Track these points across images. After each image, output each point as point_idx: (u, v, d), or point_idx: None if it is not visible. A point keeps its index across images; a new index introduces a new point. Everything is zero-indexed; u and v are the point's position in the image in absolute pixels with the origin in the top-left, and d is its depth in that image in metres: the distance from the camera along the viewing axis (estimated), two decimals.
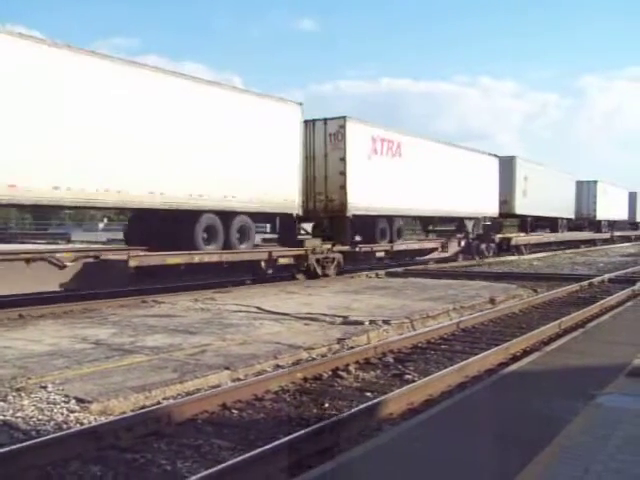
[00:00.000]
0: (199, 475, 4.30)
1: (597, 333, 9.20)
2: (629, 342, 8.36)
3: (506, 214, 30.90)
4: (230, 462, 4.51)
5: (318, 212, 18.70)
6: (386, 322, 10.34)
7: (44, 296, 12.13)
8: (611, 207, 46.60)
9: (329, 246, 18.18)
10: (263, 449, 4.70)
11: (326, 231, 19.08)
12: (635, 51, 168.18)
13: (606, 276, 19.15)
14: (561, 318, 11.01)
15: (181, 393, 6.44)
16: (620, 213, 50.67)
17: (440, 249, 24.49)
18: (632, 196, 54.97)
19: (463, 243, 25.90)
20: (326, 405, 6.33)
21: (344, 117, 18.38)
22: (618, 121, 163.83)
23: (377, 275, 19.25)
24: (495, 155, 28.59)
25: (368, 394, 6.74)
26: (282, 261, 16.81)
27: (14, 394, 6.00)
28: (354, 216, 18.67)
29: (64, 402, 5.84)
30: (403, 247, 22.41)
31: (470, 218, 26.81)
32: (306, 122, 18.04)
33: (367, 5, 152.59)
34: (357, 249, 19.47)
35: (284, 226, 17.74)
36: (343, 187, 18.19)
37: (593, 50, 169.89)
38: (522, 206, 31.62)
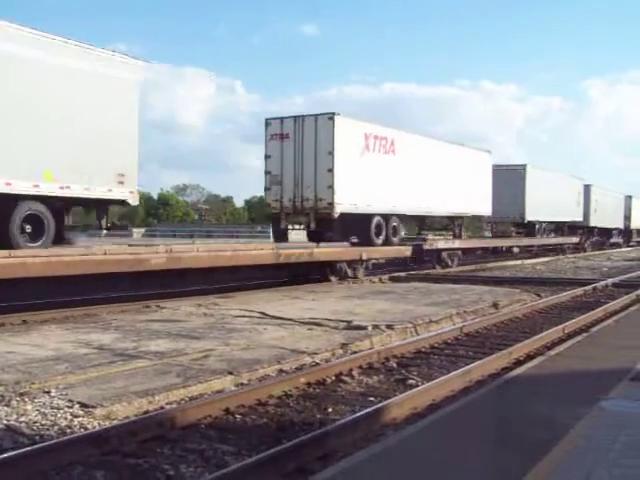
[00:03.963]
0: None
1: (601, 337, 9.18)
2: (633, 346, 8.34)
3: None
4: (233, 466, 4.52)
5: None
6: (389, 327, 10.33)
7: (47, 301, 12.17)
8: (447, 190, 23.53)
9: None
10: (266, 454, 4.70)
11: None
12: (638, 54, 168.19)
13: (610, 280, 19.12)
14: (565, 322, 11.00)
15: (185, 398, 6.44)
16: (478, 204, 26.38)
17: None
18: (516, 174, 31.37)
19: None
20: (329, 410, 6.33)
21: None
22: (620, 125, 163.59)
23: (380, 280, 19.24)
24: None
25: (371, 399, 6.73)
26: None
27: (17, 399, 6.00)
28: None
29: (68, 407, 5.84)
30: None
31: None
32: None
33: (369, 9, 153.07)
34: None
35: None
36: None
37: (596, 53, 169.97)
38: None
